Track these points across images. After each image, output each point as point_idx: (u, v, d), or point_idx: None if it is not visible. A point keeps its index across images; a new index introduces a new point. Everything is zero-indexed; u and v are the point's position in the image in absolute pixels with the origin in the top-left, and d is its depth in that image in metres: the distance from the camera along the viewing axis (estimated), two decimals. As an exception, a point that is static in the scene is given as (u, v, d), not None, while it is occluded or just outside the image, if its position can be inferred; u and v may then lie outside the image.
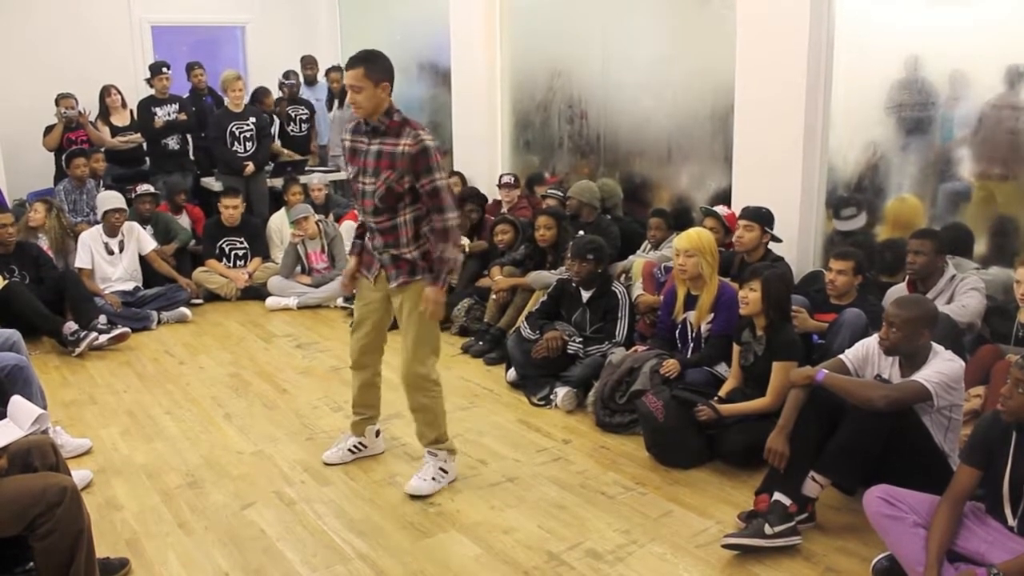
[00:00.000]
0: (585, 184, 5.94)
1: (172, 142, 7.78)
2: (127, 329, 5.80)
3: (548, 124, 7.06)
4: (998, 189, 4.40)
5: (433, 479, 3.63)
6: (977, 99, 4.40)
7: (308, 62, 8.99)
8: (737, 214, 5.24)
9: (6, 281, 5.54)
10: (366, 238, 3.61)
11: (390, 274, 3.51)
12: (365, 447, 3.94)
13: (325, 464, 3.90)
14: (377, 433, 3.98)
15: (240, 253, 6.96)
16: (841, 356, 3.33)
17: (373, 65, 3.30)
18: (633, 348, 4.52)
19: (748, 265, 4.41)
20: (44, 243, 6.35)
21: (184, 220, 7.26)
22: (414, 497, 3.58)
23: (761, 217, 4.61)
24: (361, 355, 3.77)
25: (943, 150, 4.59)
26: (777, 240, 4.69)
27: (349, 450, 3.92)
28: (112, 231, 6.33)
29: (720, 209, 5.16)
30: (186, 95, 8.15)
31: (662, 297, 4.59)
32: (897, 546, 2.76)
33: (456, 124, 7.67)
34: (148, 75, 7.88)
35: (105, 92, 7.80)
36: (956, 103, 4.50)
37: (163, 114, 7.67)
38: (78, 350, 5.47)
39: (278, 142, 8.34)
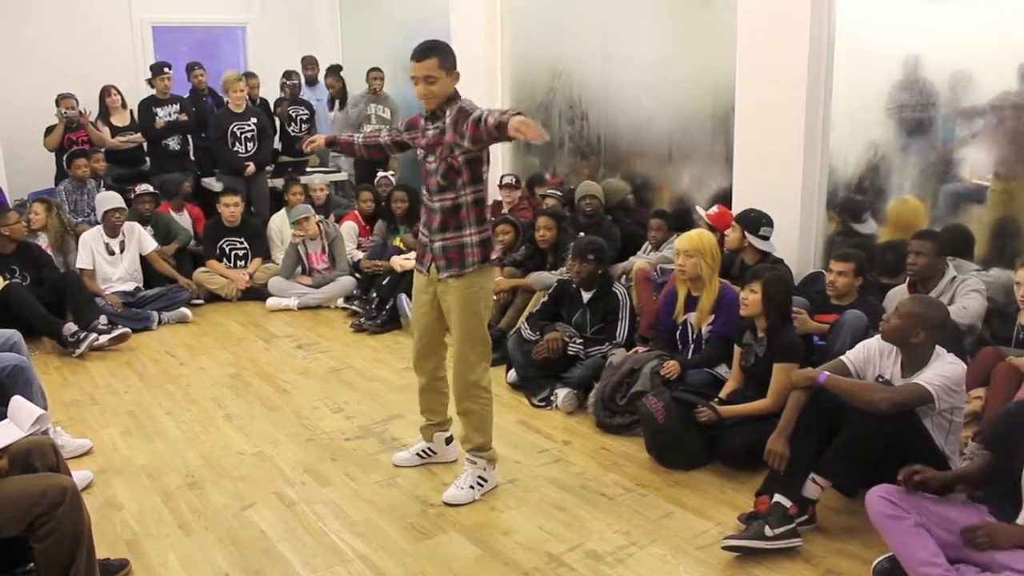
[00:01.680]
0: (600, 184, 6.03)
1: (173, 143, 7.79)
2: (127, 329, 5.80)
3: (549, 125, 7.04)
4: (1018, 190, 4.38)
5: (471, 487, 3.57)
6: (981, 99, 4.39)
7: (309, 62, 8.99)
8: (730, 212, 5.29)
9: (6, 282, 5.54)
10: (421, 226, 3.55)
11: (439, 264, 3.44)
12: (433, 453, 3.88)
13: (394, 465, 3.89)
14: (448, 440, 3.89)
15: (240, 253, 6.96)
16: (842, 357, 3.33)
17: (445, 53, 3.30)
18: (634, 349, 4.52)
19: (748, 267, 4.42)
20: (44, 242, 6.35)
21: (184, 220, 7.26)
22: (450, 505, 3.53)
23: (745, 220, 4.66)
24: (417, 359, 3.73)
25: (945, 151, 4.59)
26: (759, 249, 4.64)
27: (417, 454, 3.90)
28: (113, 231, 6.33)
29: (712, 209, 5.21)
30: (186, 95, 8.15)
31: (660, 297, 4.60)
32: (899, 546, 2.75)
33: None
34: (149, 75, 7.89)
35: (105, 92, 7.80)
36: (959, 103, 4.50)
37: (164, 114, 7.68)
38: (79, 351, 5.47)
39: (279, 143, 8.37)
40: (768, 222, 4.64)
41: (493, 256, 3.48)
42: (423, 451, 3.90)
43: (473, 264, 3.40)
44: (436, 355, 3.70)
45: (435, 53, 3.28)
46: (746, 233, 4.62)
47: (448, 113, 3.34)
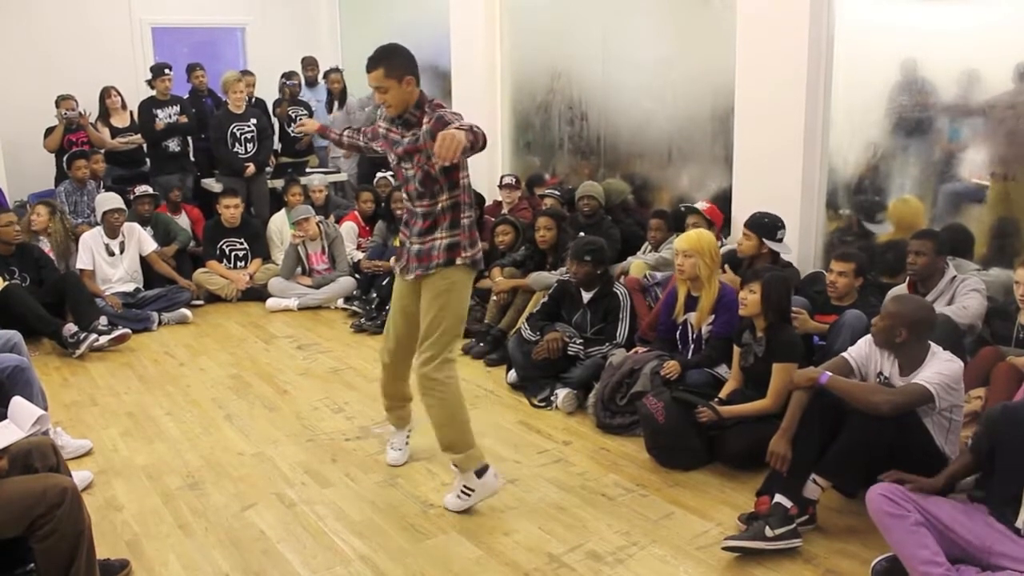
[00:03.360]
0: (601, 184, 6.04)
1: (173, 144, 7.78)
2: (128, 330, 5.80)
3: (548, 125, 7.06)
4: (1016, 190, 4.37)
5: (458, 497, 3.50)
6: (979, 99, 4.39)
7: (308, 63, 8.98)
8: (720, 209, 5.33)
9: (6, 283, 5.54)
10: (403, 226, 3.56)
11: (411, 265, 3.46)
12: (410, 431, 4.00)
13: (389, 465, 3.91)
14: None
15: (240, 254, 6.96)
16: (844, 354, 3.33)
17: (391, 62, 3.26)
18: (634, 349, 4.52)
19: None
20: (45, 246, 6.35)
21: (183, 220, 7.26)
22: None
23: (760, 227, 4.59)
24: (385, 350, 3.76)
25: (944, 151, 4.59)
26: (782, 251, 4.65)
27: (407, 443, 3.98)
28: (112, 232, 6.33)
29: (700, 204, 5.23)
30: (185, 96, 8.15)
31: (660, 298, 4.60)
32: (899, 545, 2.76)
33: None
34: (150, 76, 7.88)
35: (105, 93, 7.80)
36: (957, 103, 4.50)
37: (164, 116, 7.67)
38: (79, 351, 5.47)
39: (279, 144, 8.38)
40: (782, 224, 4.61)
41: (459, 260, 3.39)
42: (405, 440, 3.97)
43: (436, 266, 3.39)
44: (407, 355, 3.71)
45: (381, 63, 3.25)
46: (764, 239, 4.58)
47: (425, 121, 3.31)
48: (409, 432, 3.99)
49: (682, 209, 5.43)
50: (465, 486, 3.50)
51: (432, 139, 3.21)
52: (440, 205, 3.39)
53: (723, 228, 5.33)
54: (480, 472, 3.47)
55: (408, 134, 3.39)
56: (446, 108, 3.37)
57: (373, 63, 3.27)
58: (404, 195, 3.53)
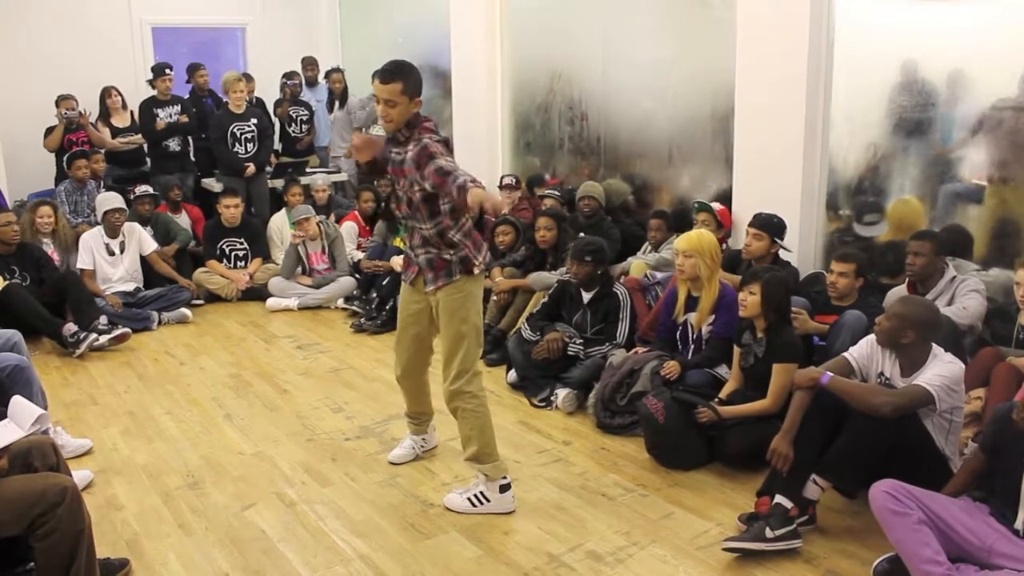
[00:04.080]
0: (601, 185, 6.04)
1: (173, 144, 7.79)
2: (128, 330, 5.80)
3: (548, 126, 7.06)
4: (1011, 194, 4.37)
5: (469, 500, 3.48)
6: (979, 101, 4.40)
7: (309, 63, 8.99)
8: (729, 211, 5.28)
9: (6, 282, 5.54)
10: (404, 232, 3.54)
11: (426, 277, 3.43)
12: (425, 443, 4.00)
13: (390, 463, 3.92)
14: (432, 428, 4.03)
15: (240, 254, 6.96)
16: (845, 354, 3.33)
17: (409, 79, 3.22)
18: (634, 349, 4.52)
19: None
20: (49, 246, 6.34)
21: (183, 220, 7.27)
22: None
23: (771, 227, 4.57)
24: (398, 365, 3.75)
25: (944, 152, 4.59)
26: (787, 251, 4.67)
27: (412, 448, 3.98)
28: (113, 232, 6.33)
29: (713, 205, 5.21)
30: (186, 96, 8.15)
31: (660, 298, 4.60)
32: (901, 543, 2.75)
33: (456, 125, 7.69)
34: (151, 76, 7.88)
35: (105, 93, 7.81)
36: (957, 105, 4.50)
37: (165, 116, 7.68)
38: (79, 351, 5.47)
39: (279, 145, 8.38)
40: (786, 224, 4.62)
41: (476, 270, 3.41)
42: (416, 444, 3.96)
43: (457, 273, 3.38)
44: (422, 361, 3.75)
45: (399, 77, 3.20)
46: (775, 239, 4.57)
47: (410, 143, 3.29)
48: (424, 440, 3.99)
49: (694, 205, 5.39)
50: (483, 494, 3.48)
51: (416, 167, 3.23)
52: (428, 232, 3.37)
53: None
54: (504, 488, 3.48)
55: (398, 151, 3.36)
56: (434, 132, 3.31)
57: (390, 76, 3.21)
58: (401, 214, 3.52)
